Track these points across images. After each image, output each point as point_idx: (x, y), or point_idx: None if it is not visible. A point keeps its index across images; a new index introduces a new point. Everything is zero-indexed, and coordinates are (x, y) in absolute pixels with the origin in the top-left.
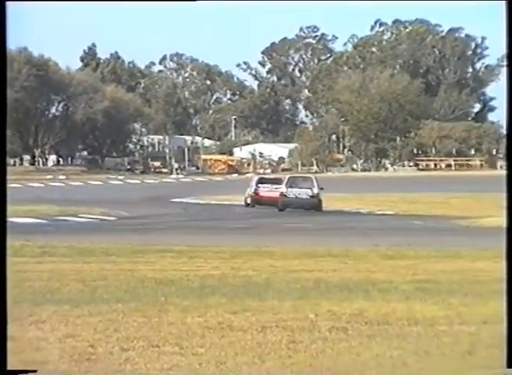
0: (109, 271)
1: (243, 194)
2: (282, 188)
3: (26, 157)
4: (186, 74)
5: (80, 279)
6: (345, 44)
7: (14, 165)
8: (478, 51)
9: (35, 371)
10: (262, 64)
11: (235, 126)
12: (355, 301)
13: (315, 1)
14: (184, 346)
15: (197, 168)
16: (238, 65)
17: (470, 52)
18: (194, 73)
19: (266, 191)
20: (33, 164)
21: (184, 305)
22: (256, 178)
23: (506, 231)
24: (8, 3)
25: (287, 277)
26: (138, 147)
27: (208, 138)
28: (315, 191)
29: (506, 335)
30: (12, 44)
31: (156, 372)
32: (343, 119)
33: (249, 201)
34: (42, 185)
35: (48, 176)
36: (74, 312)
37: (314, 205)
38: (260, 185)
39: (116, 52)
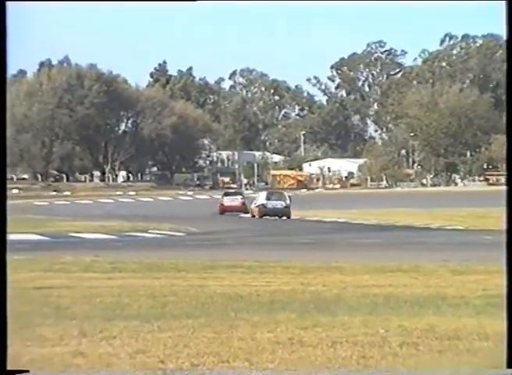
0: (179, 287)
1: (314, 209)
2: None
3: (97, 173)
4: (255, 90)
5: (150, 294)
6: (415, 59)
7: (84, 181)
8: None
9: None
10: (331, 79)
11: (304, 142)
12: (425, 317)
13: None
14: (254, 361)
15: (266, 183)
16: (308, 79)
17: None
18: (263, 88)
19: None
20: (103, 180)
21: (254, 320)
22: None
23: (506, 236)
24: (8, 3)
25: (357, 293)
26: (207, 162)
27: (277, 153)
28: (287, 202)
29: (506, 335)
30: (84, 60)
31: None
32: (412, 134)
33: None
34: (112, 201)
35: (118, 192)
36: (144, 328)
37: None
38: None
39: (189, 69)
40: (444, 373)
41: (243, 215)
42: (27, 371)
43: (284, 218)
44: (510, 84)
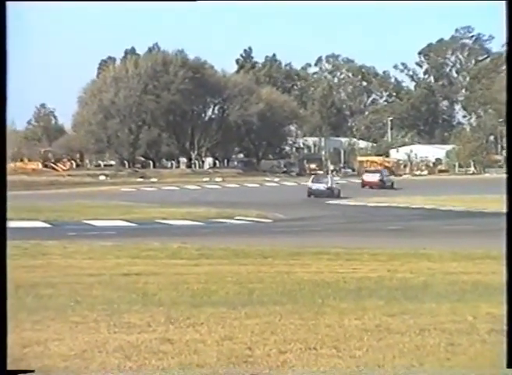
0: (266, 273)
1: (401, 195)
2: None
3: (183, 160)
4: (342, 76)
5: (237, 281)
6: (503, 45)
7: (171, 167)
8: None
9: (33, 371)
10: (419, 65)
11: (391, 128)
12: None
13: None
14: (342, 349)
15: (353, 170)
16: (395, 66)
17: None
18: (350, 74)
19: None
20: (189, 166)
21: (341, 307)
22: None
23: (506, 230)
24: (8, 3)
25: (445, 280)
26: (294, 149)
27: (364, 140)
28: (329, 185)
29: (506, 335)
30: (171, 47)
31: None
32: (501, 120)
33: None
34: (199, 187)
35: (205, 179)
36: (231, 315)
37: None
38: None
39: (274, 55)
40: (444, 372)
41: (330, 201)
42: (32, 371)
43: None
44: (510, 84)
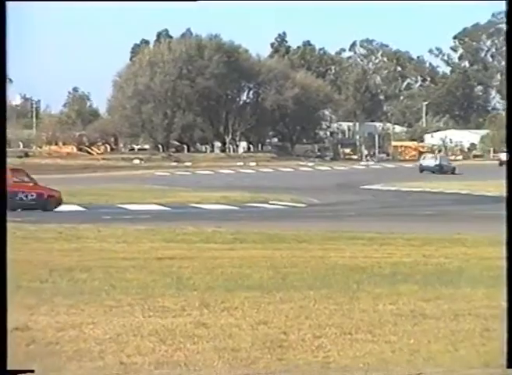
0: (300, 258)
1: (436, 180)
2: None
3: (217, 144)
4: (377, 60)
5: (271, 265)
6: None
7: (205, 151)
8: None
9: (33, 371)
10: (454, 49)
11: (426, 113)
12: None
13: None
14: (376, 334)
15: (387, 155)
16: (430, 50)
17: None
18: (385, 59)
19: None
20: (223, 151)
21: (376, 292)
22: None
23: (506, 226)
24: (8, 3)
25: (480, 265)
26: (328, 133)
27: (399, 125)
28: (438, 161)
29: (506, 335)
30: (206, 31)
31: (346, 360)
32: None
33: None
34: (233, 172)
35: (239, 163)
36: (266, 299)
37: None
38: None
39: (308, 40)
40: (444, 372)
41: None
42: (32, 371)
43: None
44: (510, 82)
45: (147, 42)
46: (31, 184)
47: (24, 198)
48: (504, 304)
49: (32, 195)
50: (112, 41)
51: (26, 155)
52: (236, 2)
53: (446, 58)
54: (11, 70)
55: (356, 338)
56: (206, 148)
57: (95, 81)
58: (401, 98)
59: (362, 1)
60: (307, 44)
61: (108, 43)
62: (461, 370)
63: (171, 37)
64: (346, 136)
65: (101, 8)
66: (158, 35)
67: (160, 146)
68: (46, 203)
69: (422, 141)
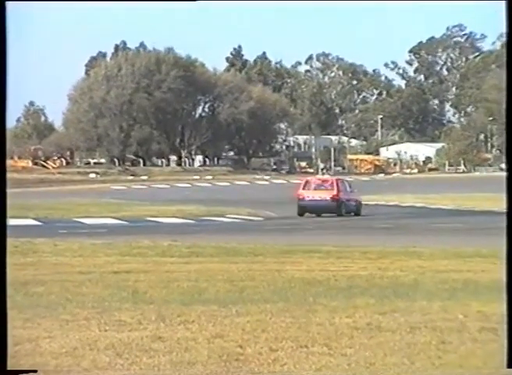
0: (257, 271)
1: (390, 193)
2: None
3: (173, 158)
4: (332, 74)
5: (228, 279)
6: (493, 42)
7: (161, 165)
8: None
9: (35, 371)
10: (410, 63)
11: (381, 126)
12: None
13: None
14: (333, 347)
15: (343, 168)
16: (385, 64)
17: None
18: (340, 72)
19: None
20: (180, 164)
21: (332, 305)
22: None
23: (506, 231)
24: (8, 3)
25: (435, 278)
26: (284, 147)
27: (354, 138)
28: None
29: (506, 335)
30: (161, 45)
31: (302, 372)
32: (491, 118)
33: None
34: (189, 185)
35: (195, 177)
36: (222, 313)
37: None
38: None
39: (264, 53)
40: (444, 373)
41: None
42: (35, 371)
43: None
44: (509, 84)
45: (104, 55)
46: None
47: None
48: (461, 317)
49: None
50: (68, 54)
51: None
52: (190, 15)
53: (401, 71)
54: None
55: (312, 351)
56: (162, 162)
57: (50, 95)
58: (357, 111)
59: (319, 12)
60: (263, 57)
61: (64, 55)
62: (460, 371)
63: (130, 49)
64: (302, 149)
65: (57, 21)
66: (116, 48)
67: (116, 160)
68: None
69: (378, 154)
